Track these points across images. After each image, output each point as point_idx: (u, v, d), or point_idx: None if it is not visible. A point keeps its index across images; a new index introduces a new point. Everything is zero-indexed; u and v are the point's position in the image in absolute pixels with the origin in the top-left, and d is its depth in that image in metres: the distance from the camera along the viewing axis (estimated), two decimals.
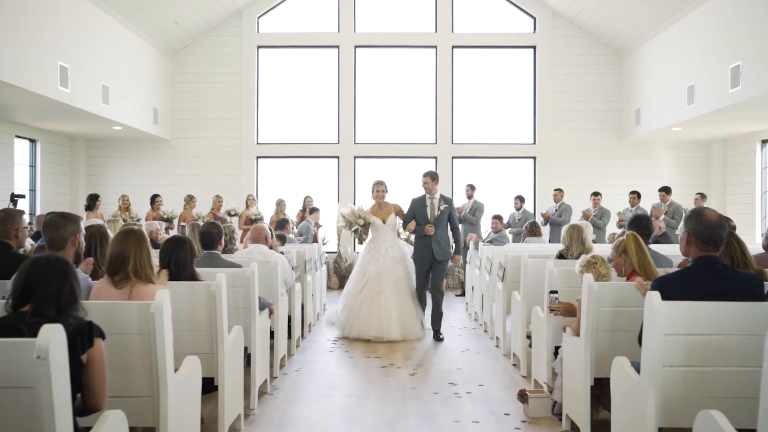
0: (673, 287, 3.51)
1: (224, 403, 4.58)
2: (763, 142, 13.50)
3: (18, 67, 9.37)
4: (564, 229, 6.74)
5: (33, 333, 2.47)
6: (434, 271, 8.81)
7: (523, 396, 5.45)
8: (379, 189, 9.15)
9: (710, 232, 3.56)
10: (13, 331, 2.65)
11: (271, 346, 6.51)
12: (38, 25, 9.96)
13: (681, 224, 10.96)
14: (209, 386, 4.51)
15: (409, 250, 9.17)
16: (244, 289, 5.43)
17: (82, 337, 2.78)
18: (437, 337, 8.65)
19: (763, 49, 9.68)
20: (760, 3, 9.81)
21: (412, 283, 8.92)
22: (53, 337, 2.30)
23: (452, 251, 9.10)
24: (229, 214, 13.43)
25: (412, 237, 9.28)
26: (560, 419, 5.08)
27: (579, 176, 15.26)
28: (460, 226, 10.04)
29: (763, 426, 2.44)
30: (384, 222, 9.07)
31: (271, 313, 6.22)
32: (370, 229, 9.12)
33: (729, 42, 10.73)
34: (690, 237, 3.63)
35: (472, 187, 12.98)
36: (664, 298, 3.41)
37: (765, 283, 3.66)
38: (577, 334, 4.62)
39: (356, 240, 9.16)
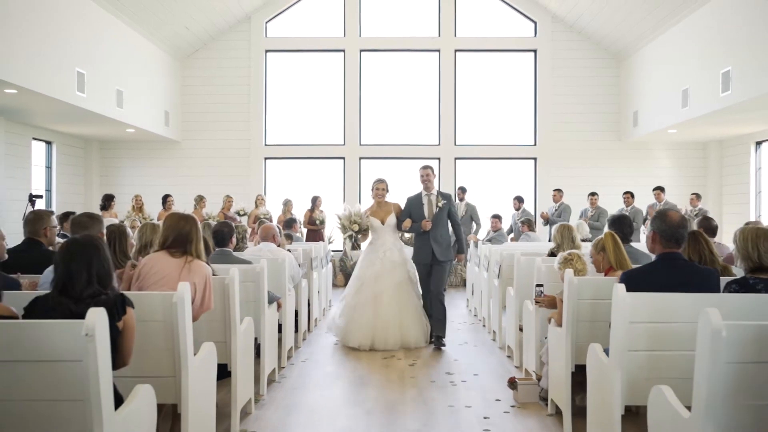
0: (638, 280, 3.93)
1: (236, 387, 5.01)
2: (757, 143, 13.87)
3: (37, 74, 9.84)
4: (555, 228, 7.15)
5: (80, 308, 2.94)
6: (434, 273, 8.21)
7: (512, 383, 5.88)
8: (379, 187, 8.49)
9: (673, 231, 3.98)
10: (62, 310, 3.12)
11: (280, 339, 6.95)
12: (57, 33, 10.43)
13: (647, 224, 11.36)
14: (223, 372, 4.94)
15: (411, 252, 8.60)
16: (254, 283, 5.86)
17: (117, 306, 3.28)
18: (439, 343, 8.06)
19: (752, 55, 10.07)
20: (750, 11, 10.19)
21: (415, 288, 8.35)
22: (98, 318, 2.74)
23: (455, 250, 8.49)
24: (239, 214, 13.89)
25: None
26: (546, 404, 5.50)
27: (579, 177, 15.65)
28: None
29: (697, 398, 2.85)
30: (383, 223, 8.36)
31: (279, 306, 6.65)
32: (369, 231, 8.54)
33: (720, 48, 11.12)
34: (655, 235, 4.05)
35: (463, 190, 13.45)
36: (631, 289, 3.83)
37: (721, 277, 4.08)
38: (559, 325, 5.04)
39: (352, 244, 8.57)
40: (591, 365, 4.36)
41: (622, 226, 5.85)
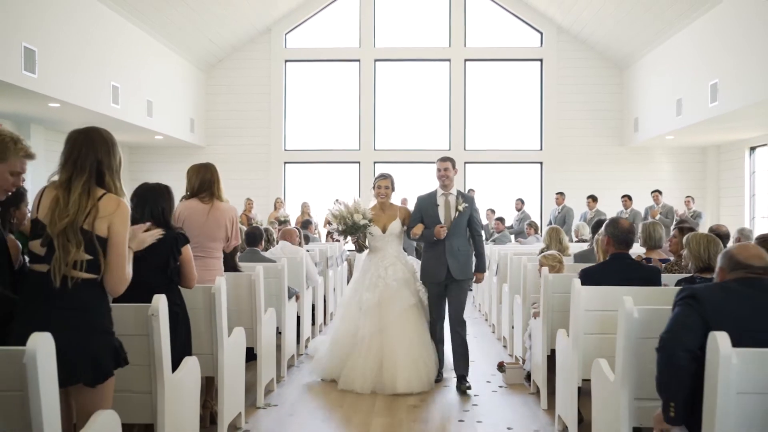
0: (593, 276, 4.76)
1: (261, 367, 5.88)
2: (752, 148, 14.57)
3: (77, 88, 10.78)
4: (545, 230, 7.99)
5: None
6: (451, 295, 6.45)
7: (501, 367, 6.74)
8: (382, 185, 6.75)
9: (623, 236, 4.82)
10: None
11: (298, 330, 7.84)
12: (95, 50, 11.37)
13: (602, 229, 12.03)
14: (250, 356, 5.80)
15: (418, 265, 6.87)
16: (276, 279, 6.75)
17: (177, 243, 4.20)
18: (462, 385, 6.32)
19: (737, 69, 10.81)
20: (735, 27, 10.94)
21: (423, 313, 6.59)
22: (161, 302, 3.62)
23: (474, 266, 6.63)
24: (253, 223, 14.87)
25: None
26: (530, 384, 6.33)
27: (583, 180, 16.39)
28: None
29: (618, 366, 3.67)
30: (384, 230, 6.62)
31: (297, 298, 7.53)
32: (367, 240, 6.74)
33: (709, 61, 11.87)
34: (609, 239, 4.88)
35: (472, 192, 14.26)
36: (586, 284, 4.66)
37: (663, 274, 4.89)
38: (537, 316, 5.88)
39: (358, 245, 6.72)
40: (559, 349, 5.19)
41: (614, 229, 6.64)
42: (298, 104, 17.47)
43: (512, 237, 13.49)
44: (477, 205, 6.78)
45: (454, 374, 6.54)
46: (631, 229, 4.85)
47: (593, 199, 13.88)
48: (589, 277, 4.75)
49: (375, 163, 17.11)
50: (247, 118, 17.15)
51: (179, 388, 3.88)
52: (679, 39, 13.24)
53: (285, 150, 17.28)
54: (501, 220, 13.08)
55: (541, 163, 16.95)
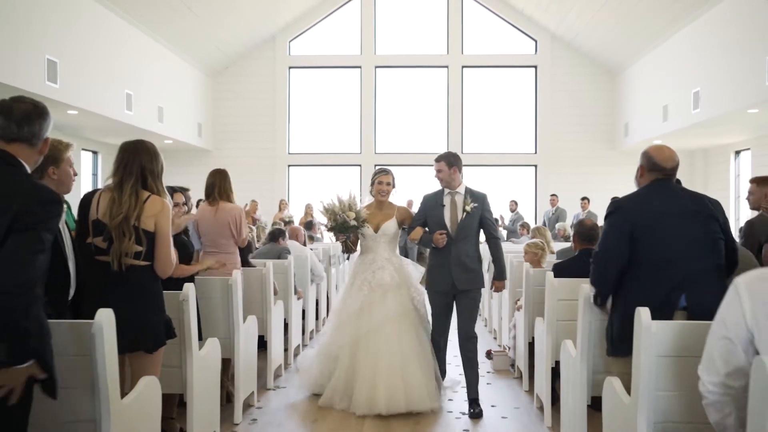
0: (566, 270, 5.40)
1: (271, 354, 6.51)
2: (736, 152, 15.19)
3: (94, 96, 11.43)
4: (532, 229, 8.63)
5: None
6: (459, 306, 5.80)
7: (489, 354, 7.38)
8: (383, 180, 6.11)
9: (587, 233, 5.46)
10: None
11: (303, 322, 8.47)
12: (110, 60, 12.04)
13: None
14: (261, 343, 6.42)
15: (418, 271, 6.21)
16: (284, 275, 7.38)
17: None
18: (474, 409, 5.62)
19: (717, 78, 11.44)
20: (715, 40, 11.58)
21: (423, 322, 5.96)
22: (191, 290, 4.27)
23: (488, 274, 6.40)
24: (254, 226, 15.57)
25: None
26: (514, 370, 6.97)
27: (576, 182, 17.02)
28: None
29: (579, 341, 4.31)
30: (376, 230, 6.00)
31: (299, 296, 8.15)
32: (359, 242, 6.14)
33: (692, 70, 12.52)
34: (576, 236, 5.53)
35: None
36: (558, 276, 5.29)
37: None
38: (520, 309, 6.53)
39: (345, 245, 6.05)
40: (537, 334, 5.83)
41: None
42: (301, 109, 18.14)
43: (506, 236, 14.13)
44: (491, 206, 5.95)
45: (452, 387, 6.30)
46: (593, 226, 5.50)
47: (587, 200, 14.50)
48: (561, 271, 5.38)
49: (376, 165, 17.69)
50: (252, 123, 17.81)
51: (205, 362, 4.52)
52: (664, 49, 13.88)
53: (289, 153, 17.94)
54: (496, 220, 13.70)
55: (535, 165, 17.59)
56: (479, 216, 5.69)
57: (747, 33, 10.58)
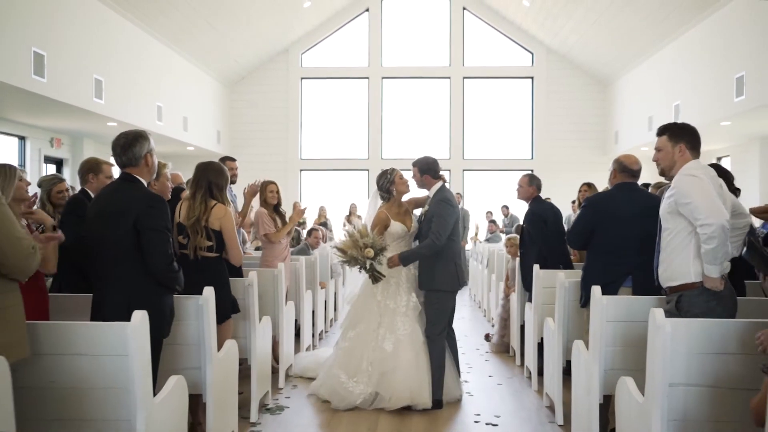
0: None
1: (283, 348, 7.15)
2: (718, 158, 16.37)
3: (130, 110, 12.62)
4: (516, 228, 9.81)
5: None
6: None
7: (487, 337, 8.59)
8: (403, 176, 6.38)
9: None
10: None
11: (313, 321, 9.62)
12: (145, 75, 13.25)
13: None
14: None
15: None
16: (310, 269, 8.56)
17: None
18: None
19: (695, 93, 12.65)
20: (695, 57, 12.79)
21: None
22: (254, 278, 5.47)
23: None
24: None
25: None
26: (509, 350, 8.17)
27: (570, 186, 18.11)
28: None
29: (558, 320, 5.50)
30: (409, 228, 6.19)
31: (322, 287, 9.28)
32: (389, 242, 6.04)
33: (673, 85, 13.72)
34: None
35: (460, 196, 16.14)
36: (543, 269, 6.50)
37: None
38: (507, 296, 7.75)
39: (372, 275, 5.81)
40: (527, 320, 7.02)
41: None
42: (312, 117, 19.36)
43: (503, 237, 15.34)
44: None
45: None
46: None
47: (574, 203, 15.66)
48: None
49: (382, 170, 18.90)
50: (266, 130, 19.01)
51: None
52: (649, 65, 15.11)
53: (301, 159, 19.15)
54: (494, 222, 14.93)
55: (531, 170, 18.78)
56: (429, 220, 5.88)
57: (720, 53, 11.79)
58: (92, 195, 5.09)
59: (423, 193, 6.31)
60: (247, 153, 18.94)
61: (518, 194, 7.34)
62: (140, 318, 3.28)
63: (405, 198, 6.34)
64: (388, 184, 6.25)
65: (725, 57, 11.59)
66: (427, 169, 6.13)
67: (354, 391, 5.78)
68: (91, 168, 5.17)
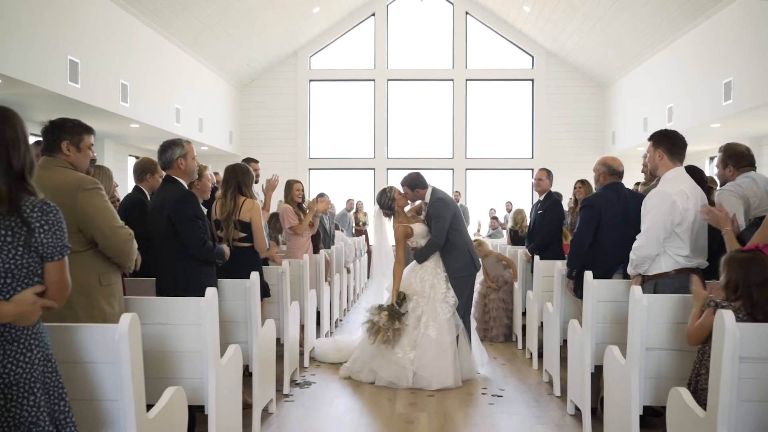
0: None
1: (307, 332, 7.77)
2: (711, 158, 17.07)
3: (152, 112, 13.32)
4: (513, 211, 10.53)
5: None
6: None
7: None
8: (398, 195, 7.02)
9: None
10: None
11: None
12: (165, 79, 13.94)
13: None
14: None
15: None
16: (314, 267, 9.20)
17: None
18: None
19: (686, 97, 13.34)
20: (687, 61, 13.48)
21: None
22: (287, 266, 6.17)
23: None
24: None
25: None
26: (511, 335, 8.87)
27: (569, 185, 18.80)
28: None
29: (555, 305, 6.20)
30: (425, 224, 6.88)
31: (348, 271, 9.97)
32: (419, 241, 6.78)
33: (666, 88, 14.42)
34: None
35: (458, 194, 16.84)
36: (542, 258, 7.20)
37: None
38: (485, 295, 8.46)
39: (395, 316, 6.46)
40: (529, 310, 7.72)
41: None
42: (320, 118, 20.07)
43: (504, 233, 16.03)
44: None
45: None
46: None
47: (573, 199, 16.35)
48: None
49: (388, 169, 19.65)
50: (276, 130, 19.70)
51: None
52: (644, 68, 15.81)
53: (309, 158, 19.85)
54: (496, 218, 15.64)
55: (531, 169, 19.45)
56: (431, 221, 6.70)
57: (710, 59, 12.48)
58: (145, 192, 5.82)
59: (417, 201, 7.05)
60: (257, 152, 19.49)
61: (536, 187, 8.23)
62: (212, 294, 3.98)
63: (406, 209, 7.04)
64: (389, 201, 6.88)
65: (714, 63, 12.28)
66: (416, 184, 6.82)
67: (408, 367, 6.36)
68: (148, 168, 5.88)
